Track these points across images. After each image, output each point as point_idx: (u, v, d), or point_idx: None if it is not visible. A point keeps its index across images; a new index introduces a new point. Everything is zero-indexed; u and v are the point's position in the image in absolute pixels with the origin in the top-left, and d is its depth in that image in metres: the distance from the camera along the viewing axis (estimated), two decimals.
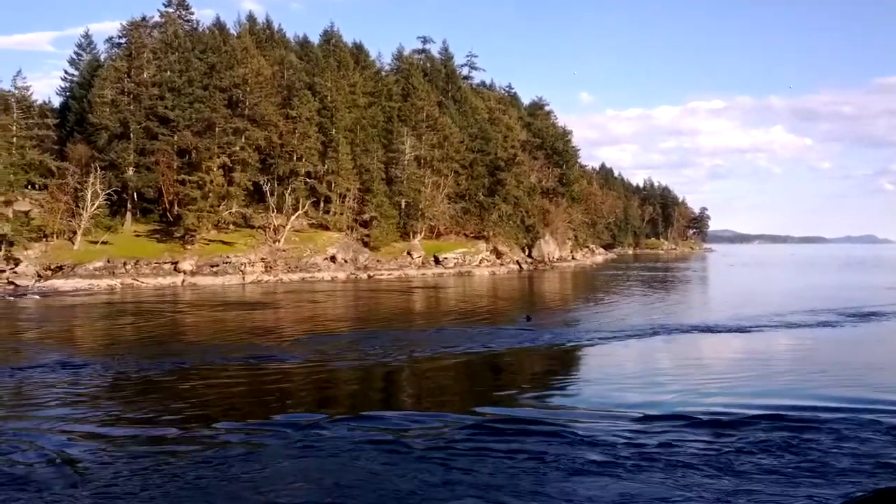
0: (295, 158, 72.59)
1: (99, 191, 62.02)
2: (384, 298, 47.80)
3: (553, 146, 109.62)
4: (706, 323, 30.61)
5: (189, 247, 63.35)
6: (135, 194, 68.80)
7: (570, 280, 70.85)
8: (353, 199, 76.68)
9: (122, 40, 73.24)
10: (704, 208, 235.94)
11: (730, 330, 28.54)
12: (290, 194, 71.64)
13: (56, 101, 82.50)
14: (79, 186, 62.13)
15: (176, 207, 66.59)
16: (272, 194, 70.47)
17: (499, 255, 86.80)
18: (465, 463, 11.24)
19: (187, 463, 11.32)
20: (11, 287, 51.71)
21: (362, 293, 51.42)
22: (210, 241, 65.56)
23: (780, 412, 14.35)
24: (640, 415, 14.39)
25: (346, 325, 32.94)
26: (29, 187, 64.90)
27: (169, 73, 69.88)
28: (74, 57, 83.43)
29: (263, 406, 15.94)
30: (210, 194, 64.66)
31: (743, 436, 12.71)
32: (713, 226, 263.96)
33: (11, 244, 56.72)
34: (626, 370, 20.95)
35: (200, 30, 79.57)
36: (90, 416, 15.00)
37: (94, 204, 61.53)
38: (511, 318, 34.50)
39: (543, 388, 18.48)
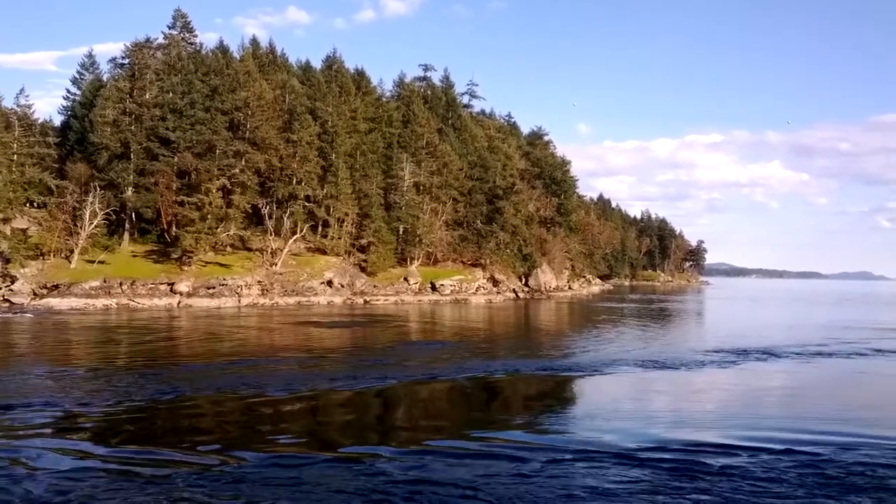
0: (294, 182, 72.69)
1: (97, 210, 61.95)
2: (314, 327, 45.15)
3: (551, 176, 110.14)
4: (611, 360, 29.41)
5: (186, 268, 63.14)
6: (133, 214, 68.74)
7: (548, 311, 69.28)
8: (352, 224, 76.67)
9: (126, 61, 73.51)
10: (701, 241, 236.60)
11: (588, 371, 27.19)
12: (288, 218, 71.64)
13: (57, 120, 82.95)
14: (77, 205, 62.11)
15: (174, 228, 66.49)
16: (270, 217, 70.49)
17: (495, 283, 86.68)
18: None
19: None
20: (7, 305, 51.46)
21: (322, 321, 50.09)
22: (207, 262, 65.37)
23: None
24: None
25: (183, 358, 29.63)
26: (28, 205, 64.86)
27: (171, 94, 70.19)
28: (77, 76, 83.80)
29: None
30: (208, 216, 64.58)
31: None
32: (710, 259, 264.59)
33: (8, 261, 56.49)
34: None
35: (204, 52, 79.97)
36: None
37: (92, 223, 61.44)
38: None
39: (296, 428, 17.68)
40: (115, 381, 22.24)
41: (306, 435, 16.83)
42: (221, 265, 65.85)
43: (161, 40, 76.87)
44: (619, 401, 22.04)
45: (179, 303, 57.97)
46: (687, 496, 11.84)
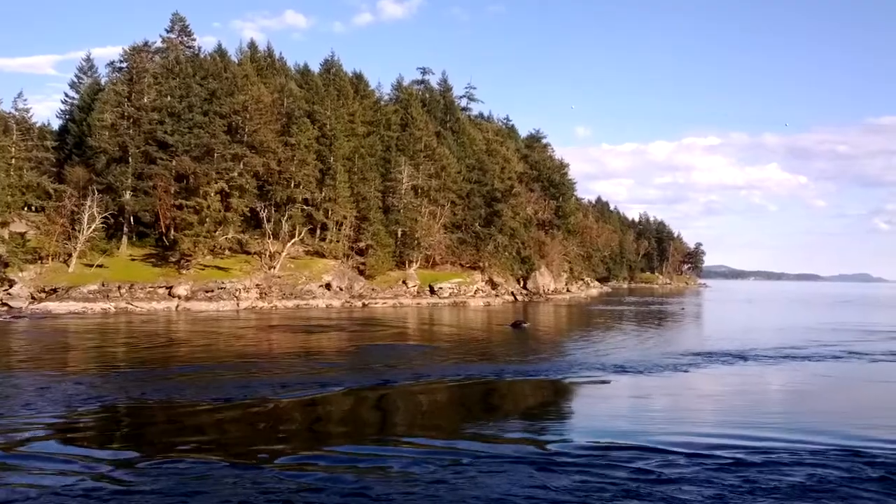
0: (293, 185, 72.73)
1: (96, 214, 61.94)
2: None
3: (549, 178, 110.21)
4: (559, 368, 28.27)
5: (184, 272, 63.13)
6: (131, 218, 68.74)
7: (543, 313, 68.14)
8: (350, 227, 76.72)
9: (124, 65, 73.60)
10: (699, 243, 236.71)
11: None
12: (286, 221, 71.65)
13: (55, 124, 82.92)
14: (76, 209, 62.08)
15: (172, 232, 66.49)
16: (269, 220, 70.52)
17: (494, 285, 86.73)
18: None
19: None
20: (5, 308, 51.42)
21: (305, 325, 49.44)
22: (205, 266, 65.36)
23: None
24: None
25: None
26: (26, 209, 64.82)
27: (169, 98, 70.29)
28: (75, 80, 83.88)
29: None
30: (207, 219, 64.55)
31: None
32: (708, 261, 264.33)
33: (6, 265, 56.43)
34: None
35: (202, 56, 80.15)
36: None
37: (90, 227, 61.41)
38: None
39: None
40: (56, 386, 21.53)
41: (217, 443, 16.12)
42: (220, 268, 65.85)
43: (159, 44, 77.21)
44: (555, 405, 21.92)
45: (178, 306, 57.94)
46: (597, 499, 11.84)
